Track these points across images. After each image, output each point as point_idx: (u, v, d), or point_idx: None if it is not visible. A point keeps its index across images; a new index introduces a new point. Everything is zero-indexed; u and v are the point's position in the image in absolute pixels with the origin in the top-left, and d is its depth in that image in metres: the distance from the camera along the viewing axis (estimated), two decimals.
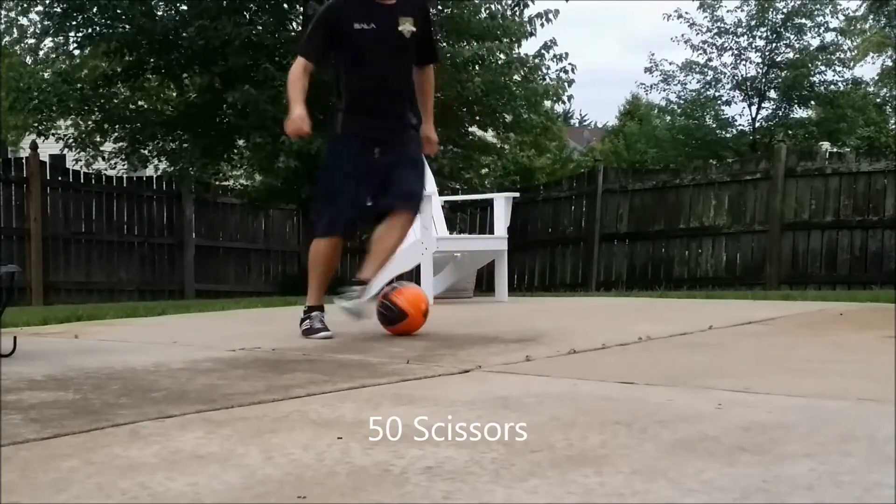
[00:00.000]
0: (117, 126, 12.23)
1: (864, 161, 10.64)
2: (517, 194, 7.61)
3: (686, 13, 20.74)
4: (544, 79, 12.22)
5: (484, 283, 8.05)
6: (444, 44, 11.68)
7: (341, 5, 4.18)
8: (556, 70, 12.19)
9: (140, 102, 12.98)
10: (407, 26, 4.14)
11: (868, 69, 32.04)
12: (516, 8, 12.15)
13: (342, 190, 4.16)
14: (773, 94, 21.11)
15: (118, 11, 11.52)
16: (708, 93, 21.47)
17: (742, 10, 20.60)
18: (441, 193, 7.72)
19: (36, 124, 12.18)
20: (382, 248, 4.12)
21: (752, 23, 20.48)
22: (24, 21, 12.39)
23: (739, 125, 21.86)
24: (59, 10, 11.61)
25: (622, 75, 78.68)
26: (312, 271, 4.25)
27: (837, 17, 20.40)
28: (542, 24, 11.88)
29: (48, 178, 11.27)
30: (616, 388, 2.60)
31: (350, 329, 4.07)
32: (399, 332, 4.02)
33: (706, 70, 21.28)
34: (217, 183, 13.61)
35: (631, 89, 42.86)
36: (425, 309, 4.11)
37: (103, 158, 12.46)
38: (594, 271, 12.14)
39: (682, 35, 21.56)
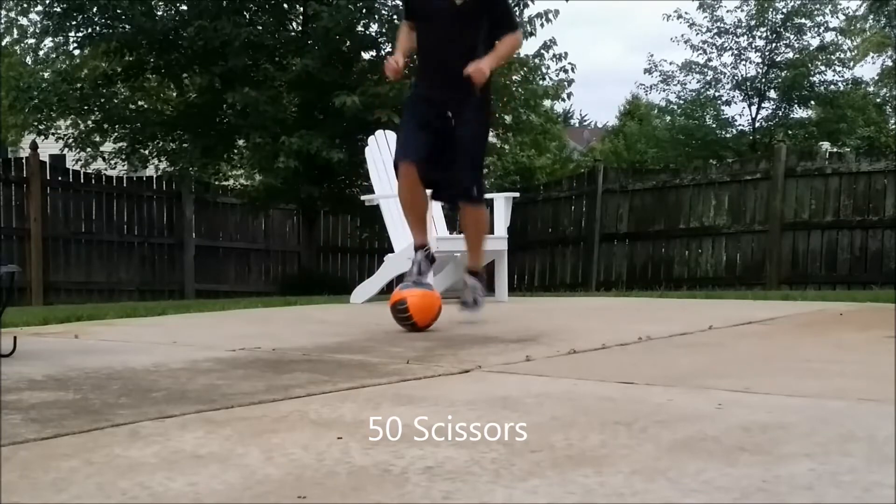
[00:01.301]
0: (117, 126, 12.24)
1: (864, 161, 10.64)
2: (517, 194, 7.61)
3: (686, 13, 20.77)
4: (544, 79, 12.23)
5: (484, 283, 8.03)
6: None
7: None
8: (556, 70, 12.21)
9: (140, 102, 13.00)
10: None
11: (868, 69, 32.06)
12: (516, 8, 12.14)
13: (409, 142, 4.37)
14: (772, 94, 21.12)
15: (118, 11, 11.54)
16: (708, 93, 21.48)
17: (742, 10, 20.62)
18: None
19: (36, 124, 12.19)
20: (469, 238, 4.52)
21: (752, 23, 20.49)
22: (24, 21, 12.40)
23: (739, 125, 21.89)
24: (58, 9, 11.62)
25: (623, 75, 78.74)
26: (403, 210, 4.56)
27: (837, 17, 20.43)
28: (541, 25, 11.88)
29: (48, 178, 11.28)
30: (616, 388, 2.60)
31: (350, 329, 4.07)
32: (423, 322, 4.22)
33: (706, 70, 21.29)
34: (217, 183, 13.62)
35: (631, 89, 42.87)
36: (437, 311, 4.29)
37: (103, 158, 12.47)
38: (594, 271, 12.15)
39: (682, 35, 21.58)
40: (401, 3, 4.80)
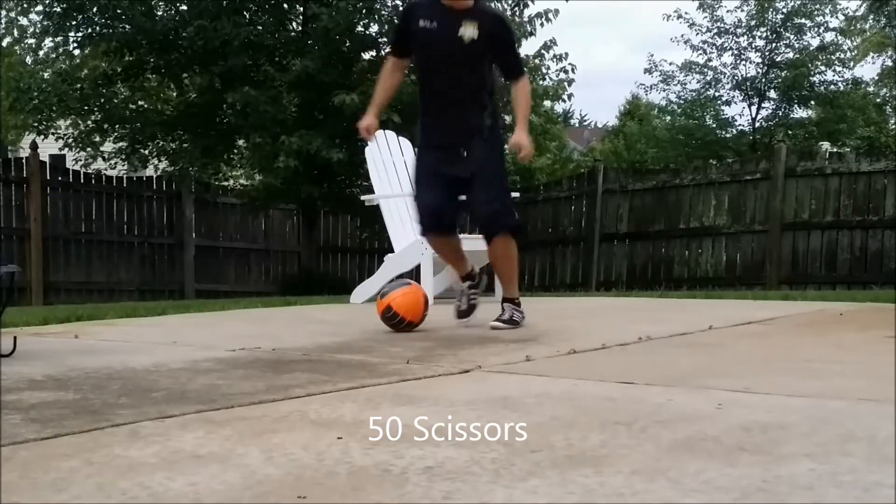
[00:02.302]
0: (117, 126, 12.24)
1: (864, 161, 10.63)
2: (517, 194, 7.60)
3: (686, 13, 20.76)
4: (544, 79, 12.22)
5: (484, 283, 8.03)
6: None
7: (418, 3, 4.31)
8: (556, 70, 12.21)
9: (140, 102, 12.99)
10: (468, 31, 4.12)
11: (868, 69, 32.06)
12: (516, 8, 12.14)
13: (422, 199, 4.32)
14: (772, 94, 21.11)
15: (118, 11, 11.53)
16: (708, 93, 21.47)
17: (742, 10, 20.61)
18: None
19: (36, 124, 12.19)
20: (501, 271, 4.50)
21: (752, 23, 20.48)
22: (24, 21, 12.40)
23: (739, 125, 21.88)
24: (58, 10, 11.61)
25: (623, 75, 78.69)
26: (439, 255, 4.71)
27: (837, 17, 20.42)
28: (541, 24, 11.88)
29: (48, 178, 11.28)
30: (616, 388, 2.60)
31: (350, 329, 4.08)
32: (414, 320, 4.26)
33: (706, 70, 21.28)
34: (217, 183, 13.61)
35: (631, 89, 42.88)
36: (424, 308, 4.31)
37: (103, 158, 12.47)
38: (594, 271, 12.14)
39: (682, 35, 21.58)
40: (393, 39, 4.51)
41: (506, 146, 4.45)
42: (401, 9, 4.57)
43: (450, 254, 4.50)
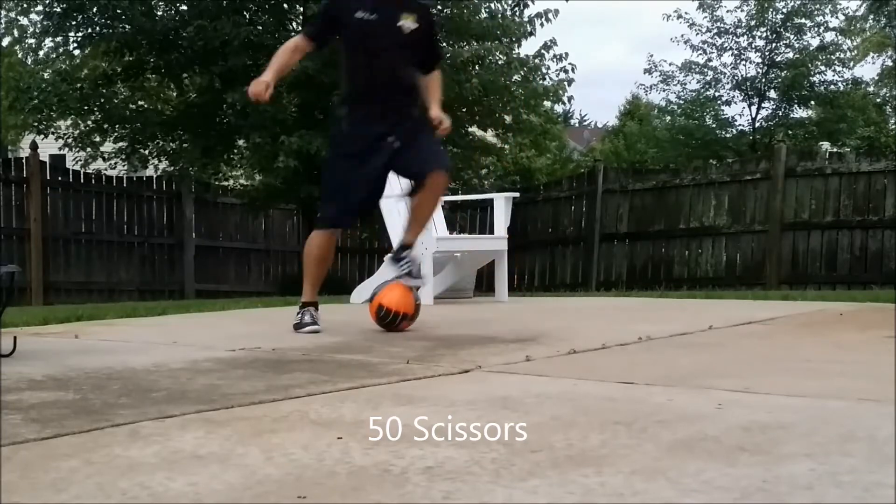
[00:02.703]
0: (117, 126, 12.24)
1: (864, 161, 10.64)
2: (517, 194, 7.61)
3: (686, 13, 20.77)
4: (544, 79, 12.23)
5: (484, 283, 8.05)
6: (444, 44, 11.67)
7: None
8: (556, 70, 12.21)
9: (140, 102, 12.99)
10: (408, 22, 4.18)
11: (868, 69, 32.11)
12: (516, 8, 12.15)
13: (345, 185, 4.25)
14: (772, 94, 21.12)
15: (118, 11, 11.53)
16: (708, 93, 21.48)
17: (742, 10, 20.62)
18: None
19: (35, 124, 12.18)
20: (422, 214, 4.28)
21: (752, 23, 20.49)
22: (24, 21, 12.39)
23: (739, 125, 21.90)
24: (58, 10, 11.61)
25: (624, 75, 78.70)
26: (308, 266, 4.36)
27: (837, 17, 20.44)
28: (541, 24, 11.88)
29: (48, 178, 11.27)
30: (616, 388, 2.60)
31: (350, 329, 4.08)
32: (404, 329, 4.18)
33: (706, 70, 21.29)
34: (217, 183, 13.61)
35: (631, 89, 42.89)
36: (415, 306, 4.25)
37: (103, 158, 12.47)
38: (594, 271, 12.14)
39: (682, 35, 21.59)
40: (312, 23, 4.43)
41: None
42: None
43: (323, 260, 4.36)
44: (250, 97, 4.20)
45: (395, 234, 6.71)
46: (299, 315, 4.25)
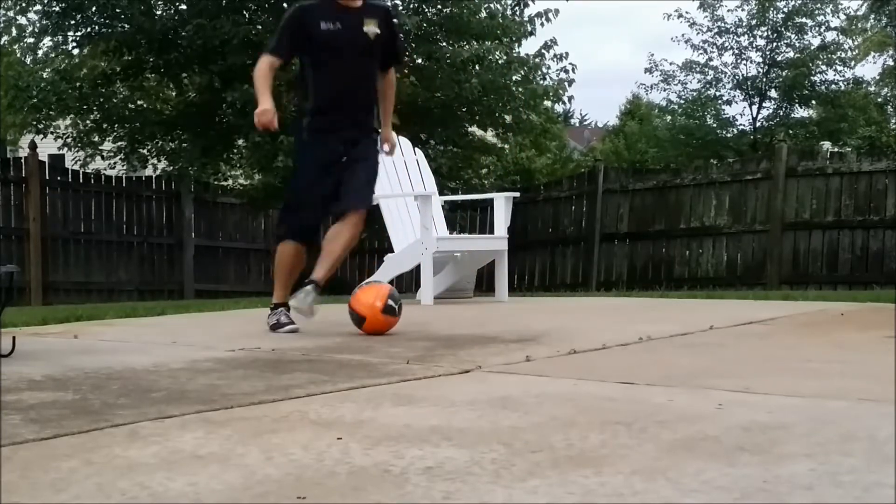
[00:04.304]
0: (116, 125, 12.23)
1: (866, 161, 10.63)
2: (517, 194, 7.61)
3: (686, 13, 20.76)
4: (544, 78, 12.22)
5: (484, 283, 8.04)
6: (444, 43, 11.67)
7: (309, 6, 4.31)
8: (557, 70, 12.21)
9: (139, 102, 12.98)
10: (371, 28, 4.25)
11: (869, 69, 32.16)
12: (516, 7, 12.15)
13: (309, 196, 4.31)
14: (773, 93, 21.11)
15: (117, 11, 11.52)
16: (709, 92, 21.47)
17: (742, 10, 20.61)
18: (441, 193, 7.72)
19: (35, 123, 12.18)
20: (333, 249, 4.26)
21: (753, 22, 20.48)
22: (22, 20, 12.39)
23: (740, 125, 21.88)
24: (57, 9, 11.61)
25: (628, 75, 78.71)
26: (278, 272, 4.40)
27: (838, 17, 20.42)
28: (542, 24, 11.88)
29: (47, 177, 11.27)
30: (616, 388, 2.59)
31: (350, 329, 4.07)
32: (369, 332, 4.04)
33: (707, 70, 21.28)
34: (216, 183, 13.61)
35: (632, 89, 42.89)
36: (382, 305, 4.05)
37: (102, 157, 12.46)
38: (594, 271, 12.14)
39: (683, 35, 21.57)
40: (274, 40, 4.41)
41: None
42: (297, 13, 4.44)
43: (294, 267, 4.38)
44: (259, 129, 4.29)
45: (396, 234, 6.73)
46: (274, 317, 4.27)
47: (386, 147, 4.50)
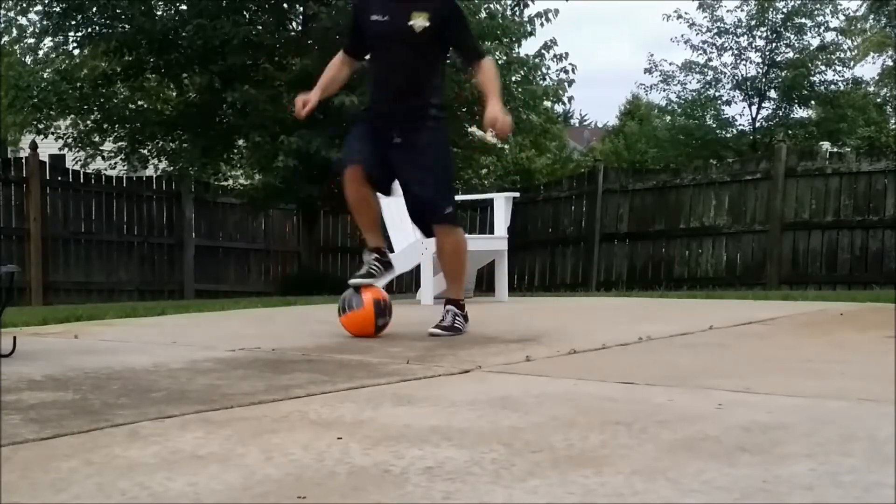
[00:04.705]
0: (117, 126, 12.24)
1: (865, 161, 10.64)
2: (517, 194, 7.61)
3: (686, 13, 20.79)
4: (544, 79, 12.22)
5: (484, 283, 8.05)
6: None
7: None
8: (557, 70, 12.21)
9: (140, 102, 12.99)
10: (419, 21, 4.13)
11: (868, 69, 32.17)
12: (516, 8, 12.15)
13: (358, 140, 4.27)
14: (773, 93, 21.13)
15: (117, 11, 11.54)
16: (708, 93, 21.48)
17: (742, 10, 20.63)
18: None
19: (35, 123, 12.19)
20: (447, 270, 4.35)
21: (752, 22, 20.51)
22: (23, 21, 12.40)
23: (740, 125, 21.91)
24: (58, 9, 11.61)
25: (624, 75, 78.70)
26: (353, 215, 4.36)
27: (838, 17, 20.45)
28: (541, 24, 11.88)
29: (48, 177, 11.27)
30: (616, 388, 2.59)
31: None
32: (350, 327, 4.01)
33: (706, 70, 21.29)
34: (217, 183, 13.61)
35: (631, 89, 42.90)
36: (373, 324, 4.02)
37: (102, 158, 12.47)
38: (594, 271, 12.14)
39: (682, 35, 21.61)
40: (348, 38, 4.45)
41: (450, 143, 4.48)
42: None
43: (366, 211, 4.27)
44: (295, 112, 4.35)
45: (396, 233, 6.72)
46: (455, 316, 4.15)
47: (496, 129, 4.09)
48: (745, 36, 20.72)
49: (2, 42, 13.42)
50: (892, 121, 22.68)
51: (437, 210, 4.14)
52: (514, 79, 11.95)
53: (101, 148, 12.44)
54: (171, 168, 12.49)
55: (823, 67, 20.57)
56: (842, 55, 20.64)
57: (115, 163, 12.60)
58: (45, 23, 11.84)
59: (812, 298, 6.36)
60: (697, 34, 20.96)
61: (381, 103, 4.26)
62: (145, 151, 12.49)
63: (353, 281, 4.12)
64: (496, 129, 4.09)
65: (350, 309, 4.01)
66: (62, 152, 13.01)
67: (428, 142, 4.18)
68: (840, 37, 20.65)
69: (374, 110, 4.30)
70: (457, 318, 4.11)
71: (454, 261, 4.28)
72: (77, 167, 12.32)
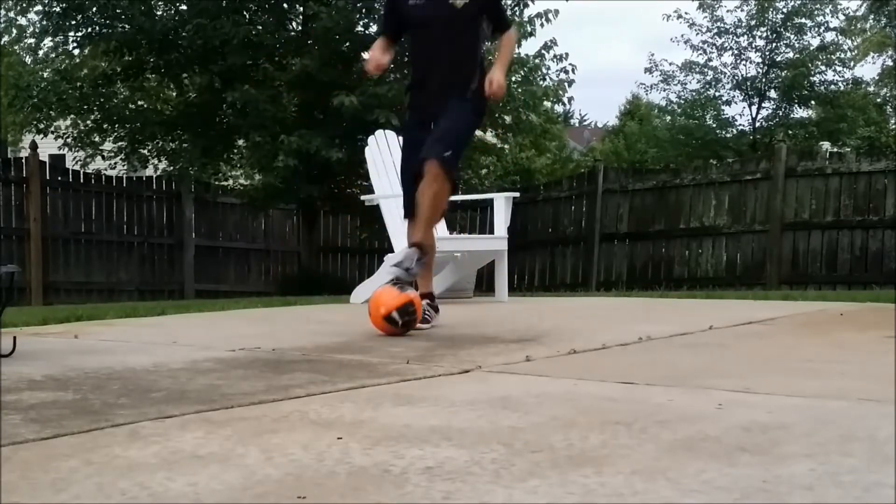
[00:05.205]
0: (117, 126, 12.25)
1: (865, 161, 10.64)
2: (517, 194, 7.60)
3: (686, 13, 20.79)
4: (544, 79, 12.23)
5: (484, 283, 8.05)
6: None
7: None
8: (557, 70, 12.21)
9: (140, 102, 13.00)
10: None
11: (868, 69, 32.17)
12: (516, 8, 12.15)
13: (404, 175, 4.40)
14: (773, 93, 21.13)
15: (117, 11, 11.54)
16: (708, 93, 21.48)
17: (742, 10, 20.63)
18: None
19: (35, 123, 12.19)
20: (419, 211, 4.22)
21: (752, 22, 20.51)
22: (23, 21, 12.41)
23: (739, 125, 21.91)
24: (58, 9, 11.62)
25: (624, 75, 78.77)
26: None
27: (838, 17, 20.45)
28: (541, 24, 11.90)
29: (48, 177, 11.28)
30: (616, 388, 2.59)
31: (350, 329, 4.07)
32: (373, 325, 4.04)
33: (706, 70, 21.30)
34: (217, 183, 13.62)
35: (631, 89, 42.90)
36: (387, 313, 3.99)
37: (102, 158, 12.47)
38: (594, 271, 12.15)
39: (682, 35, 21.61)
40: (383, 25, 4.53)
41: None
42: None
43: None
44: (368, 69, 4.43)
45: (396, 234, 6.72)
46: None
47: (489, 89, 4.24)
48: (745, 36, 20.73)
49: (2, 42, 13.42)
50: (892, 121, 22.69)
51: (436, 150, 4.15)
52: (514, 79, 11.95)
53: (101, 148, 12.45)
54: (171, 168, 12.50)
55: (823, 67, 20.58)
56: (842, 55, 20.66)
57: (115, 163, 12.60)
58: (45, 23, 11.85)
59: (812, 298, 6.36)
60: (697, 34, 20.98)
61: (421, 87, 4.35)
62: (145, 151, 12.50)
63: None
64: (492, 88, 4.22)
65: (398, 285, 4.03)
66: (62, 152, 13.01)
67: (462, 106, 4.27)
68: (840, 37, 20.66)
69: (418, 101, 4.39)
70: (412, 259, 4.14)
71: (430, 206, 4.20)
72: (77, 167, 12.33)
